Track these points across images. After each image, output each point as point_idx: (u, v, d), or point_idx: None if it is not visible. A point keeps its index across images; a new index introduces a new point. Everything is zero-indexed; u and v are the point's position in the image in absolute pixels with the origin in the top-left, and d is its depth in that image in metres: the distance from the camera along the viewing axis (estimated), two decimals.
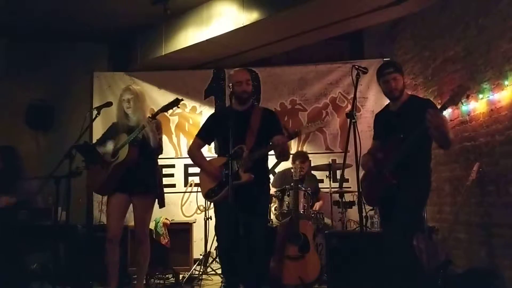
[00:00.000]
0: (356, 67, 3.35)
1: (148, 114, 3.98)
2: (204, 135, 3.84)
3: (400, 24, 6.10)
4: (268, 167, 3.79)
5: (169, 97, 6.45)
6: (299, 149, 6.30)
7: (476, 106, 4.29)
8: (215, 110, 4.15)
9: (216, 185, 3.55)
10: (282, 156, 3.68)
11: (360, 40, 6.77)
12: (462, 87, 3.23)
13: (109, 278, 3.99)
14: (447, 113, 4.31)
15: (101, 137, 4.17)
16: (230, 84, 3.71)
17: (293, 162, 5.36)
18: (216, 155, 3.95)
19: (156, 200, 4.07)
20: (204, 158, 3.82)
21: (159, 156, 4.13)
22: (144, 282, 4.70)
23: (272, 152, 3.67)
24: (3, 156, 4.70)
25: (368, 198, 3.57)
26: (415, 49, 5.73)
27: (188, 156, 3.96)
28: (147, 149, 3.90)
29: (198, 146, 3.83)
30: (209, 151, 5.46)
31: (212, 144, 3.96)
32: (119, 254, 4.02)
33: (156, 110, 3.93)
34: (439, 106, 3.59)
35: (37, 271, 4.60)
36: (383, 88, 3.56)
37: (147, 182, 3.96)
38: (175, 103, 3.84)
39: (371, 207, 4.48)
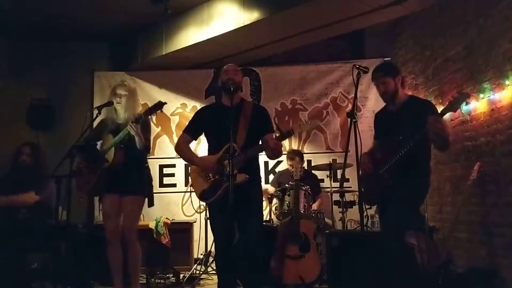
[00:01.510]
0: (357, 66, 3.36)
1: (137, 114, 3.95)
2: (192, 130, 3.72)
3: (401, 24, 6.10)
4: (259, 165, 3.76)
5: (170, 96, 6.53)
6: (299, 148, 6.30)
7: (477, 105, 4.29)
8: (203, 106, 4.05)
9: (210, 186, 3.52)
10: (274, 156, 3.63)
11: (360, 39, 6.77)
12: (462, 94, 3.24)
13: (113, 278, 4.00)
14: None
15: (91, 135, 4.13)
16: (220, 78, 3.62)
17: (291, 159, 5.37)
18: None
19: (146, 199, 4.07)
20: (193, 152, 3.74)
21: (160, 156, 4.12)
22: (145, 281, 4.72)
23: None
24: (32, 151, 4.69)
25: (366, 197, 3.58)
26: (416, 48, 5.73)
27: (175, 151, 3.85)
28: (134, 150, 3.89)
29: (185, 141, 3.70)
30: None
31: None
32: (121, 254, 4.02)
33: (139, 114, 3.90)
34: (439, 107, 3.59)
35: (37, 270, 4.60)
36: (377, 90, 3.61)
37: (135, 182, 3.96)
38: (158, 106, 3.76)
39: (368, 206, 4.47)
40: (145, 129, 3.97)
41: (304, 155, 5.72)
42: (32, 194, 4.44)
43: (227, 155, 3.32)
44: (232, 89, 3.43)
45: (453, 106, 3.19)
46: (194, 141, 3.82)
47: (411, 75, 5.83)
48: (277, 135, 3.47)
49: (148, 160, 4.20)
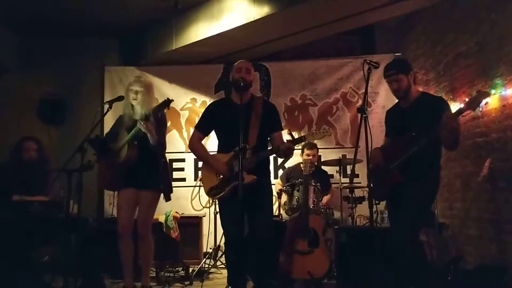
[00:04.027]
0: (368, 61, 3.34)
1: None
2: (203, 127, 3.75)
3: (412, 19, 6.06)
4: (269, 160, 3.77)
5: (179, 91, 6.55)
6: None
7: (489, 101, 4.25)
8: (213, 102, 4.08)
9: (218, 183, 3.54)
10: (285, 157, 3.65)
11: (371, 35, 6.74)
12: (481, 92, 3.23)
13: (124, 271, 4.04)
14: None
15: (110, 131, 4.22)
16: (231, 75, 3.64)
17: (302, 153, 5.36)
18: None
19: (162, 194, 4.09)
20: (207, 151, 3.76)
21: (170, 151, 4.12)
22: (154, 274, 4.76)
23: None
24: (38, 147, 4.71)
25: (374, 192, 3.57)
26: (427, 44, 5.69)
27: (189, 149, 3.90)
28: (148, 145, 3.92)
29: (198, 139, 3.74)
30: None
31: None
32: (132, 247, 4.07)
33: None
34: (449, 103, 3.56)
35: (48, 263, 4.64)
36: (389, 87, 3.60)
37: (149, 178, 3.99)
38: (166, 104, 3.82)
39: (377, 202, 4.46)
40: (159, 125, 4.01)
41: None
42: (42, 197, 4.48)
43: (236, 149, 3.33)
44: (242, 88, 3.45)
45: (472, 104, 3.17)
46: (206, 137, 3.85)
47: (422, 71, 5.79)
48: (289, 139, 3.49)
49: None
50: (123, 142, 3.95)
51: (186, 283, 4.70)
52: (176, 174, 6.39)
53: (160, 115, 4.01)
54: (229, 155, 3.52)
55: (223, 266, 5.31)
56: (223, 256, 5.38)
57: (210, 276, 5.15)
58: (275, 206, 5.22)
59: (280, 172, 6.12)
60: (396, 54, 6.15)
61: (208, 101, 6.47)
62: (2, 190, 4.48)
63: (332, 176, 5.86)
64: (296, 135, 5.89)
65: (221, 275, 5.13)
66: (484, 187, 4.22)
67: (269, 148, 3.62)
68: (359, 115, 3.26)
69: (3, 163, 4.76)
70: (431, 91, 5.31)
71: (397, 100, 3.72)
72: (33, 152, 4.66)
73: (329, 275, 4.53)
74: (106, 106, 4.01)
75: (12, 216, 4.23)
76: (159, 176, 4.03)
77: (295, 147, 3.52)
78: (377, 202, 4.32)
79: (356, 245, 4.22)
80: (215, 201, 5.55)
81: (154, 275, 4.79)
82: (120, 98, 4.04)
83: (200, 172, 6.22)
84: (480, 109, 4.31)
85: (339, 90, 6.44)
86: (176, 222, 5.41)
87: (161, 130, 4.04)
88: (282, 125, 3.85)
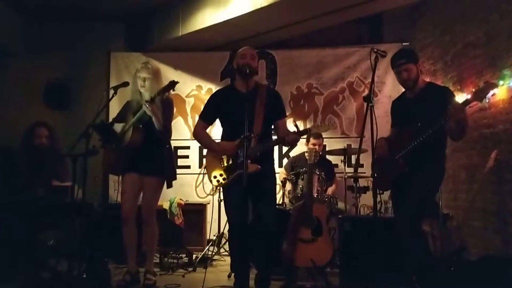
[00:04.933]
0: (375, 50, 3.33)
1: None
2: (207, 116, 3.75)
3: (420, 8, 5.99)
4: (273, 148, 3.77)
5: (185, 78, 6.52)
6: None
7: (496, 92, 4.21)
8: (217, 90, 4.08)
9: (224, 170, 3.53)
10: (290, 147, 3.65)
11: (379, 23, 6.68)
12: (488, 84, 3.21)
13: (127, 256, 4.07)
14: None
15: (117, 115, 4.21)
16: (235, 62, 3.62)
17: (307, 142, 5.34)
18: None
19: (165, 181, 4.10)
20: (211, 139, 3.76)
21: (175, 138, 4.10)
22: (158, 260, 4.78)
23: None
24: (50, 133, 4.72)
25: (379, 182, 3.56)
26: (435, 33, 5.63)
27: (194, 138, 3.91)
28: (153, 130, 3.92)
29: (203, 128, 3.74)
30: None
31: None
32: (136, 233, 4.08)
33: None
34: (457, 93, 3.53)
35: (53, 247, 4.68)
36: (397, 77, 3.58)
37: (153, 163, 3.99)
38: (171, 85, 3.82)
39: (381, 192, 4.45)
40: (165, 108, 4.00)
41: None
42: (68, 183, 4.49)
43: (242, 137, 3.32)
44: (248, 74, 3.43)
45: (479, 95, 3.15)
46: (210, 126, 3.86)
47: (429, 61, 5.74)
48: (295, 130, 3.48)
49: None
50: (128, 125, 3.94)
51: (190, 269, 4.73)
52: (180, 161, 6.40)
53: (166, 98, 4.01)
54: (235, 143, 3.51)
55: (226, 253, 5.33)
56: (227, 243, 5.40)
57: (214, 263, 5.18)
58: (279, 195, 5.22)
59: (285, 161, 6.11)
60: (404, 43, 6.10)
61: (214, 88, 6.44)
62: (12, 174, 4.50)
63: (336, 165, 5.85)
64: (301, 125, 5.88)
65: (225, 262, 5.15)
66: (490, 179, 4.20)
67: (274, 139, 3.61)
68: (365, 104, 3.25)
69: (13, 148, 4.77)
70: (438, 82, 5.26)
71: (403, 91, 3.70)
72: (44, 138, 4.66)
73: (332, 264, 4.54)
74: (112, 92, 4.00)
75: (19, 200, 4.25)
76: (163, 163, 4.03)
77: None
78: (381, 192, 4.31)
79: (359, 234, 4.22)
80: (219, 189, 5.56)
81: (157, 261, 4.82)
82: (125, 84, 4.03)
83: (204, 160, 6.25)
84: (487, 100, 4.27)
85: (346, 79, 6.41)
86: (180, 209, 5.42)
87: (167, 114, 4.03)
88: (288, 113, 3.86)
